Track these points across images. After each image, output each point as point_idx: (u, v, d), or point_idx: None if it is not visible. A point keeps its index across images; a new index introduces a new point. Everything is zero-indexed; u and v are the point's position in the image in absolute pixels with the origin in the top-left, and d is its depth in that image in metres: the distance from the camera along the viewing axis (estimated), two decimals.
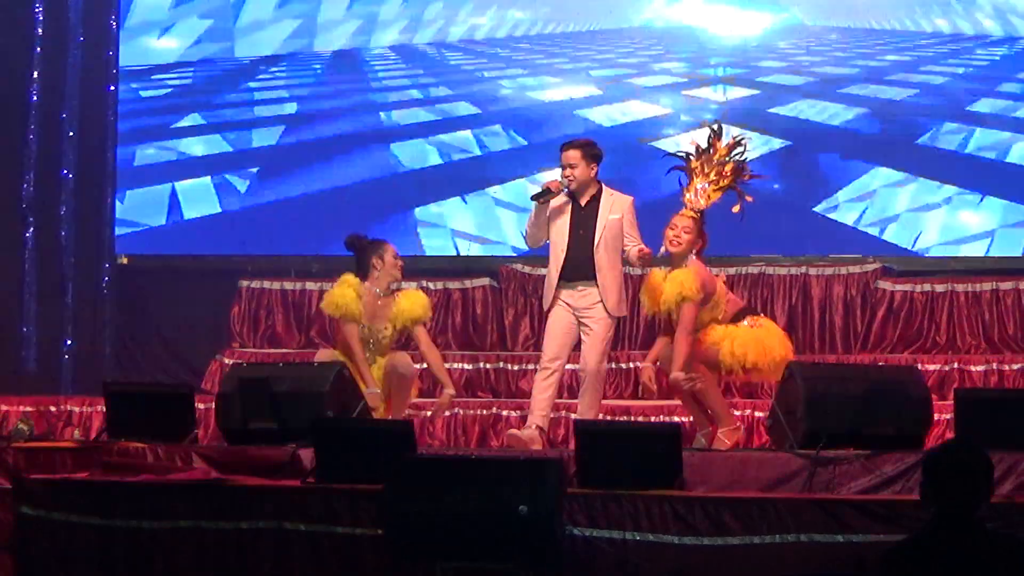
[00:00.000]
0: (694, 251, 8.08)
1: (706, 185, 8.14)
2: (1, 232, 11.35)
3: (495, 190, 11.08)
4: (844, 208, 10.71)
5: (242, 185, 11.49)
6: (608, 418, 8.83)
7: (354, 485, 6.42)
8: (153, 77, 11.70)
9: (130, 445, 7.45)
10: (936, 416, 7.98)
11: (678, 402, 8.89)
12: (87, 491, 6.76)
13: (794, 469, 6.91)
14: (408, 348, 9.88)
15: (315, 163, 11.42)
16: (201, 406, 8.91)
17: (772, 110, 10.95)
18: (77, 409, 10.12)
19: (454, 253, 11.08)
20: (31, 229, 11.39)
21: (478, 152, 11.25)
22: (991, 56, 10.93)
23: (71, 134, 11.45)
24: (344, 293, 8.54)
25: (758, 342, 8.03)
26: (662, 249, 8.16)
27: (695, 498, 6.27)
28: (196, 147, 11.60)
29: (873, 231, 10.65)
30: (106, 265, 11.51)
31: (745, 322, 8.14)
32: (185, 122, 11.66)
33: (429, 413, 9.32)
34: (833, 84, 11.05)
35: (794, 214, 10.69)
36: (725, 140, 8.29)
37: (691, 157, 8.25)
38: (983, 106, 10.82)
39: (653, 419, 9.08)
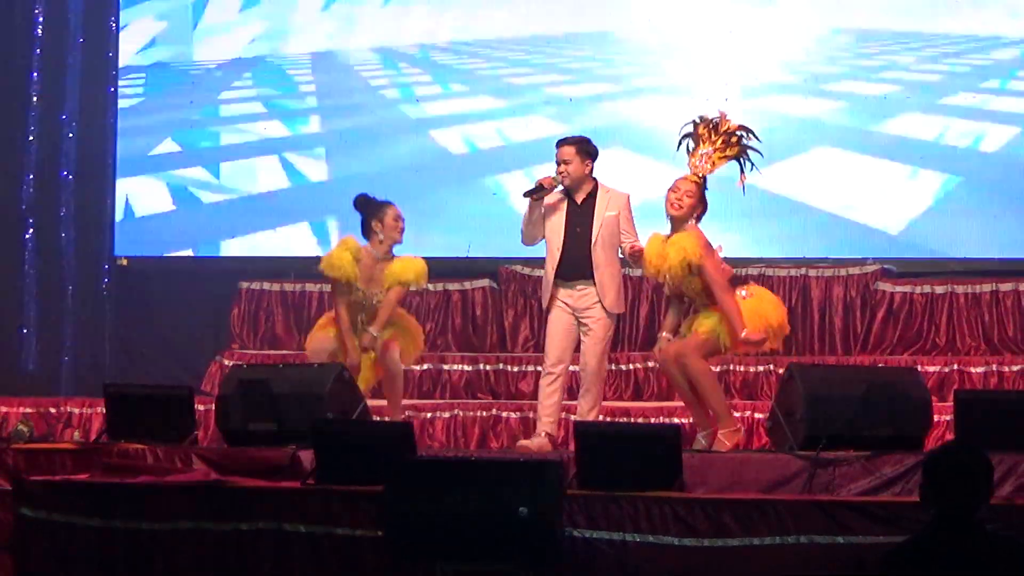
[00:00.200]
0: (694, 216, 8.02)
1: (711, 151, 8.07)
2: (1, 233, 11.35)
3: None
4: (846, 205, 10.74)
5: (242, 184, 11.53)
6: (608, 419, 8.82)
7: (354, 486, 6.42)
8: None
9: (130, 446, 7.45)
10: (936, 418, 7.97)
11: (678, 403, 8.89)
12: (87, 492, 6.76)
13: (794, 470, 6.91)
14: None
15: (315, 163, 11.44)
16: (201, 407, 8.91)
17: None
18: (77, 410, 10.11)
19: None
20: (31, 230, 11.40)
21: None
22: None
23: (71, 135, 11.46)
24: (341, 255, 8.48)
25: (753, 313, 7.93)
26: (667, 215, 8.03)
27: (695, 499, 6.27)
28: (198, 148, 11.64)
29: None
30: (106, 266, 11.52)
31: (742, 292, 8.05)
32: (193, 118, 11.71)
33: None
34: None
35: (795, 214, 10.72)
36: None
37: (698, 123, 8.16)
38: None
39: (653, 420, 9.08)
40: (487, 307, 10.92)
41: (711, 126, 8.11)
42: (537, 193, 8.26)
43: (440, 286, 10.78)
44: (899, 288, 10.47)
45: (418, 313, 10.28)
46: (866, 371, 8.46)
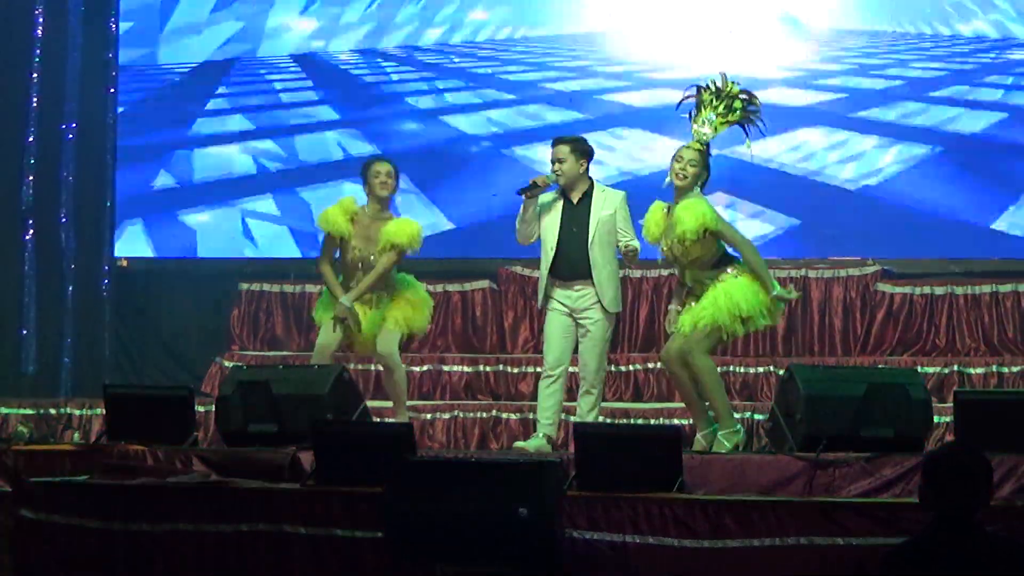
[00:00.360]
0: (699, 184, 7.93)
1: (713, 116, 8.00)
2: (1, 235, 11.35)
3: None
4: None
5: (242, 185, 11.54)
6: (608, 420, 8.82)
7: (354, 488, 6.42)
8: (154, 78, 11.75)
9: (130, 448, 7.44)
10: (936, 419, 7.98)
11: (678, 405, 8.88)
12: (87, 494, 6.75)
13: (794, 472, 6.90)
14: (408, 350, 9.91)
15: (314, 163, 11.45)
16: (201, 409, 8.92)
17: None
18: (77, 412, 10.12)
19: None
20: (31, 232, 11.40)
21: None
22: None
23: (71, 137, 11.46)
24: (335, 212, 8.54)
25: (747, 289, 7.85)
26: (667, 180, 7.99)
27: (695, 501, 6.26)
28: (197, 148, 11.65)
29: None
30: (106, 268, 11.52)
31: (729, 271, 7.95)
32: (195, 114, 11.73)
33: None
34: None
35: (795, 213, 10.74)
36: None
37: (701, 88, 8.11)
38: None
39: (653, 422, 9.08)
40: (487, 308, 10.92)
41: (714, 91, 8.05)
42: (531, 191, 8.22)
43: (440, 287, 10.77)
44: (899, 289, 10.48)
45: None
46: (866, 372, 8.45)
